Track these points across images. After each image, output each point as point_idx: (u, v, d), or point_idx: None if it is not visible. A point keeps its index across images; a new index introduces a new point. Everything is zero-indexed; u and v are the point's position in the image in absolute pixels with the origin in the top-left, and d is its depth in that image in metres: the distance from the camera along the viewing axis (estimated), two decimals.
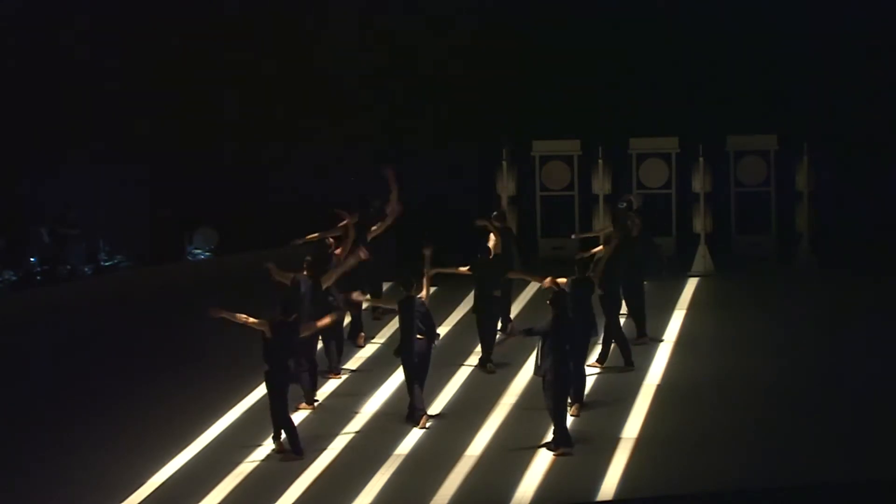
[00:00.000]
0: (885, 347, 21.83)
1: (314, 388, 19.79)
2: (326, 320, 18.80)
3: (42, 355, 23.98)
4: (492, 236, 21.88)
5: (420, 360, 18.65)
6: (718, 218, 28.68)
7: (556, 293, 18.29)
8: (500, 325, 22.20)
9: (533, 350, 22.01)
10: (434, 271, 19.80)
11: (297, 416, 19.00)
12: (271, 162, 30.49)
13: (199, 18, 30.30)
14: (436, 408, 19.39)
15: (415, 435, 18.44)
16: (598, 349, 20.94)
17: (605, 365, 20.84)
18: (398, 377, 20.78)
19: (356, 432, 18.74)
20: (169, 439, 18.43)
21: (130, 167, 29.54)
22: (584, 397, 19.20)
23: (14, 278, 27.05)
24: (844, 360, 21.37)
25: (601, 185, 28.72)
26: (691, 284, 26.49)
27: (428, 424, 18.61)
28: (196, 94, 30.23)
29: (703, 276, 27.12)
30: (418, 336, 18.65)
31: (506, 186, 28.94)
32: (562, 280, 19.47)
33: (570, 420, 18.07)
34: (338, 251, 21.49)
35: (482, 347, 21.22)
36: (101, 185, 29.13)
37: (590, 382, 19.79)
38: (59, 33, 29.48)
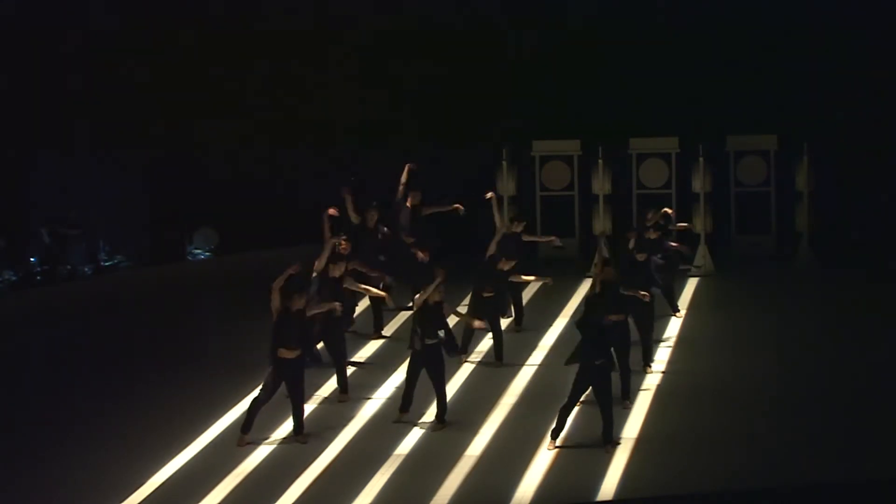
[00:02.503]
0: (884, 347, 21.84)
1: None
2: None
3: (42, 355, 23.98)
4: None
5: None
6: (718, 218, 28.68)
7: (590, 296, 18.23)
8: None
9: (532, 350, 22.17)
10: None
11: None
12: (272, 162, 30.52)
13: (199, 19, 30.33)
14: (435, 408, 19.37)
15: (415, 435, 18.44)
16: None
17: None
18: (398, 377, 20.79)
19: (356, 432, 18.74)
20: (169, 439, 18.42)
21: (130, 167, 29.55)
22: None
23: (14, 278, 27.06)
24: (844, 359, 21.37)
25: (601, 185, 28.71)
26: (691, 284, 26.49)
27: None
28: (196, 94, 30.25)
29: (703, 276, 27.11)
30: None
31: (506, 186, 28.94)
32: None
33: (573, 418, 18.02)
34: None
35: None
36: (101, 186, 29.13)
37: None
38: (59, 34, 29.48)
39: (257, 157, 30.50)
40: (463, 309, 21.27)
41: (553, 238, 24.82)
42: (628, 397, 19.29)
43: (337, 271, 20.30)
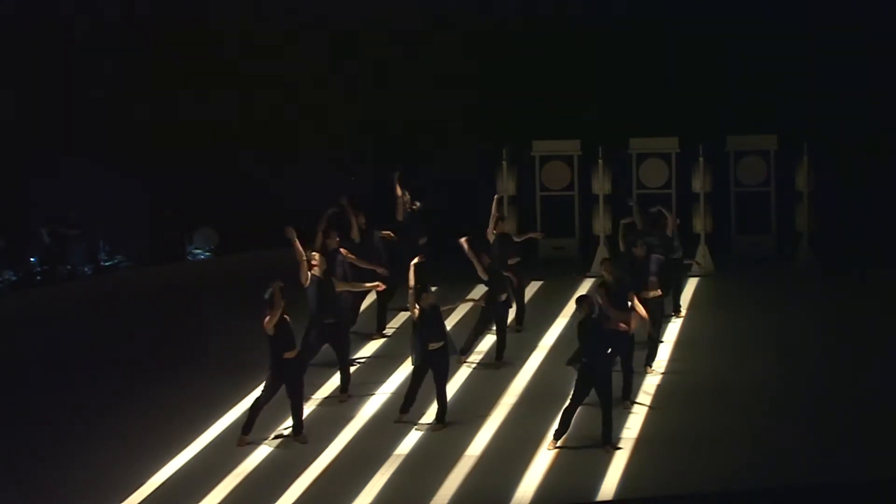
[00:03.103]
0: (884, 347, 21.84)
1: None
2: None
3: (42, 355, 23.98)
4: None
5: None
6: (718, 218, 28.69)
7: (582, 296, 18.20)
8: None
9: (532, 350, 22.17)
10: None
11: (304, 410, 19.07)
12: (271, 162, 30.52)
13: (198, 20, 30.34)
14: (436, 407, 19.35)
15: (415, 435, 18.45)
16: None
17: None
18: (399, 376, 20.80)
19: (356, 432, 18.74)
20: (169, 439, 18.42)
21: (130, 167, 29.56)
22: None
23: (14, 278, 27.05)
24: (844, 359, 21.38)
25: (601, 185, 28.71)
26: (691, 284, 26.48)
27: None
28: (196, 94, 30.26)
29: (703, 276, 27.11)
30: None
31: (506, 186, 28.95)
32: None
33: (576, 418, 18.05)
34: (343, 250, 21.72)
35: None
36: (102, 186, 29.14)
37: None
38: (59, 34, 29.49)
39: (257, 157, 30.50)
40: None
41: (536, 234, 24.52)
42: (629, 398, 19.28)
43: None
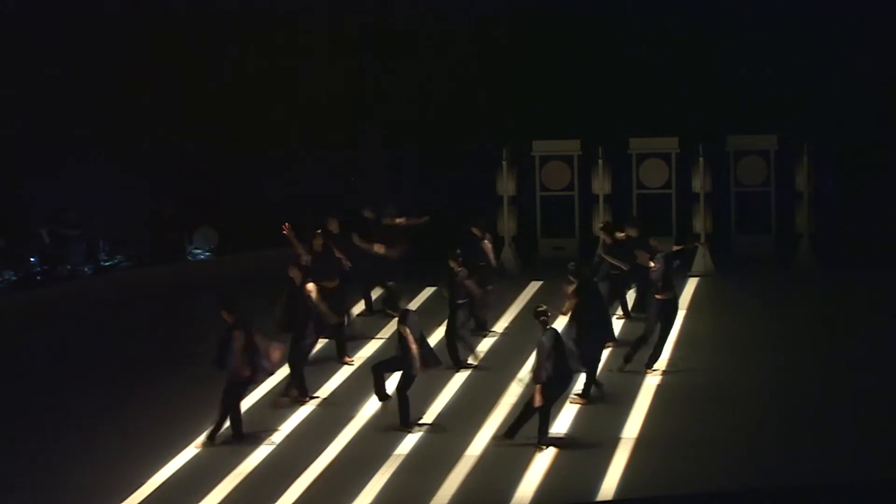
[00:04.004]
0: (884, 347, 21.85)
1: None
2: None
3: (42, 355, 23.98)
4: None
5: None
6: (718, 218, 28.69)
7: (540, 310, 18.23)
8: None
9: (531, 351, 22.14)
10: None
11: (301, 412, 19.08)
12: (271, 163, 30.52)
13: (199, 20, 30.35)
14: (436, 408, 19.39)
15: (415, 435, 18.45)
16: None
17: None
18: (398, 377, 20.79)
19: (356, 432, 18.74)
20: (169, 439, 18.43)
21: (131, 167, 29.55)
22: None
23: (14, 278, 27.04)
24: (844, 359, 21.38)
25: (601, 185, 28.72)
26: (691, 284, 26.49)
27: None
28: (196, 94, 30.27)
29: (703, 276, 27.12)
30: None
31: (506, 186, 28.95)
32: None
33: (572, 418, 18.05)
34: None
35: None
36: (102, 186, 29.14)
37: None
38: (59, 34, 29.49)
39: (256, 157, 30.49)
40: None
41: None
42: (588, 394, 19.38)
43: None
